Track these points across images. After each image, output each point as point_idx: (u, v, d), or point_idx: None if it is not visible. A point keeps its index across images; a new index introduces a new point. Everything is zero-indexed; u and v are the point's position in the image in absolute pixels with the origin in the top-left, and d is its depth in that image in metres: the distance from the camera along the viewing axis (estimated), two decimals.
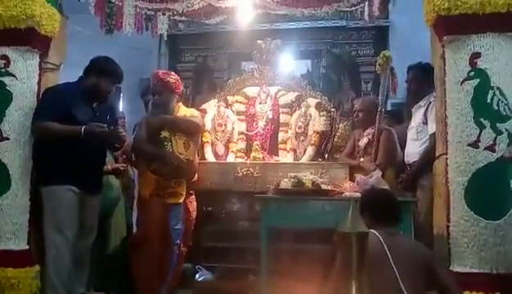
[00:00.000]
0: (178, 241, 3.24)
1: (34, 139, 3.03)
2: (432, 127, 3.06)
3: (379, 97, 3.70)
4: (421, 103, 3.35)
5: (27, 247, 2.99)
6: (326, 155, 3.94)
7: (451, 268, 2.53)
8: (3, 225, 2.95)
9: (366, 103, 3.87)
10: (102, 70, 3.08)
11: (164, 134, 3.22)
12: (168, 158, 3.16)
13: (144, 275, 3.12)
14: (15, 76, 3.03)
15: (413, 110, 3.46)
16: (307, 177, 3.13)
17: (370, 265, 1.79)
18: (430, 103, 3.19)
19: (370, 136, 3.68)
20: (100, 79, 3.07)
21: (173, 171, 3.17)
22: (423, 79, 3.30)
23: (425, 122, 3.25)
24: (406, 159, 3.42)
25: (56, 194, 2.94)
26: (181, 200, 3.27)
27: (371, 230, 2.15)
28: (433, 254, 2.34)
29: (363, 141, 3.73)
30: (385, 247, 2.08)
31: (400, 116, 4.56)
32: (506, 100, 2.54)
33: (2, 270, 2.88)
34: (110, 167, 3.48)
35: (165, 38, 4.85)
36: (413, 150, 3.34)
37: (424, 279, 2.12)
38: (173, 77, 3.35)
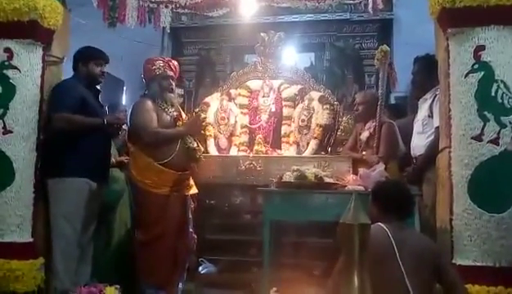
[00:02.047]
0: (191, 229, 3.34)
1: (48, 130, 3.05)
2: (437, 120, 3.04)
3: (379, 91, 3.70)
4: (427, 96, 3.32)
5: (31, 239, 3.00)
6: (329, 148, 3.94)
7: (453, 261, 2.53)
8: (7, 218, 2.96)
9: (366, 96, 3.87)
10: (87, 56, 3.19)
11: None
12: (192, 126, 3.32)
13: (164, 268, 3.16)
14: (18, 69, 3.03)
15: (419, 103, 3.44)
16: (310, 170, 3.12)
17: (376, 258, 1.78)
18: (436, 96, 3.15)
19: (371, 130, 3.68)
20: (88, 65, 3.16)
21: (187, 160, 3.29)
22: (429, 72, 3.22)
23: (431, 115, 3.22)
24: (412, 152, 3.41)
25: (70, 186, 2.98)
26: (195, 190, 3.37)
27: (379, 224, 2.14)
28: (441, 250, 2.31)
29: (364, 135, 3.73)
30: (393, 240, 2.07)
31: (401, 110, 4.53)
32: (510, 93, 2.53)
33: (7, 262, 2.89)
34: (114, 160, 3.50)
35: (168, 31, 4.85)
36: (419, 143, 3.31)
37: (430, 275, 2.11)
38: None
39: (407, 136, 3.51)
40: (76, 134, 2.99)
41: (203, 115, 3.60)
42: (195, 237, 3.44)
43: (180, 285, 3.33)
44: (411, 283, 2.00)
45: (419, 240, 2.24)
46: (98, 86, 3.31)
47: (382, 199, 2.28)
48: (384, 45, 3.76)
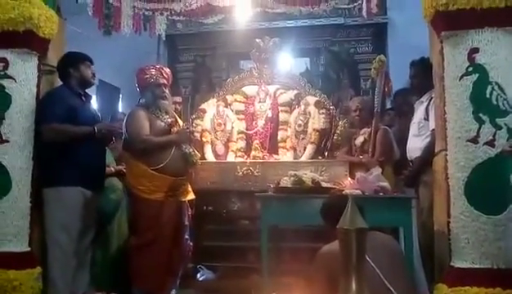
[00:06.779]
0: (187, 236, 3.34)
1: (42, 140, 3.03)
2: (433, 123, 3.05)
3: (375, 99, 3.76)
4: (423, 98, 3.33)
5: (28, 248, 2.99)
6: (326, 153, 3.95)
7: (451, 263, 2.54)
8: (4, 227, 2.94)
9: (364, 102, 3.96)
10: (75, 60, 3.20)
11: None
12: (181, 136, 3.30)
13: (157, 274, 3.14)
14: (13, 78, 3.02)
15: (415, 106, 3.46)
16: (308, 175, 3.13)
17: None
18: (432, 98, 3.16)
19: (366, 135, 3.75)
20: (80, 68, 3.17)
21: (183, 165, 3.27)
22: (425, 75, 3.21)
23: (427, 118, 3.23)
24: (408, 155, 3.42)
25: (65, 195, 2.98)
26: (192, 196, 3.36)
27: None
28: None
29: (359, 140, 3.81)
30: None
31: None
32: (505, 94, 2.53)
33: (4, 272, 2.87)
34: (113, 169, 3.50)
35: (164, 39, 4.86)
36: (415, 146, 3.32)
37: (406, 271, 2.10)
38: None
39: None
40: (68, 143, 2.98)
41: (192, 128, 3.61)
42: (191, 244, 3.43)
43: (173, 292, 3.32)
44: (393, 286, 1.95)
45: (384, 240, 2.20)
46: (91, 94, 3.32)
47: (335, 214, 2.22)
48: (381, 55, 3.82)
